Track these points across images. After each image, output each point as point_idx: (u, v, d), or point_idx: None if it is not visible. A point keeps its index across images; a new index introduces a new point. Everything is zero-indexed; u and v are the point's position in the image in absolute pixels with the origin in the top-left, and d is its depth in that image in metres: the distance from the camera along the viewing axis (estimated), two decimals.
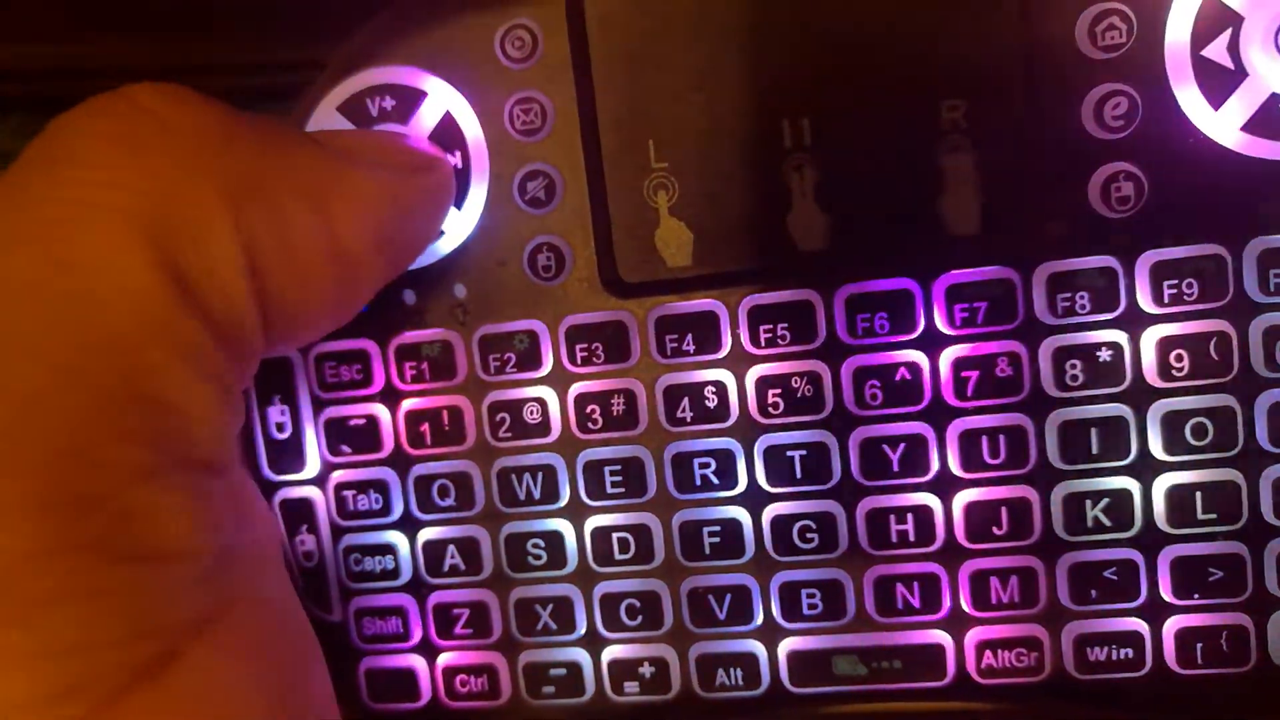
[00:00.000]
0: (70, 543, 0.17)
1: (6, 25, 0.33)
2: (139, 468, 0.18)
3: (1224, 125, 0.22)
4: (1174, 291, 0.22)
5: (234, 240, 0.19)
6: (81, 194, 0.18)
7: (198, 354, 0.19)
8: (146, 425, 0.18)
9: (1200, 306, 0.22)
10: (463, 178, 0.24)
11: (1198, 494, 0.23)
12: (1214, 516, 0.23)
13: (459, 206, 0.24)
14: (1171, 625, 0.23)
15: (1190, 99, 0.22)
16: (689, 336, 0.24)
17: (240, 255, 0.19)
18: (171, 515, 0.18)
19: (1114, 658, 0.24)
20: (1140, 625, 0.24)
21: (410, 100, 0.24)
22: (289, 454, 0.26)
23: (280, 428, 0.26)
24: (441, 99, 0.24)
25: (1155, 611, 0.24)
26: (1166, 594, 0.23)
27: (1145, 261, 0.22)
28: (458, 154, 0.24)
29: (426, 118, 0.24)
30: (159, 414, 0.18)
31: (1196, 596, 0.23)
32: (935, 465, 0.24)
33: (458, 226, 0.25)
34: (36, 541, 0.17)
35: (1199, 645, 0.23)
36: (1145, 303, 0.22)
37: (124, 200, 0.18)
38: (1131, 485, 0.23)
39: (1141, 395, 0.23)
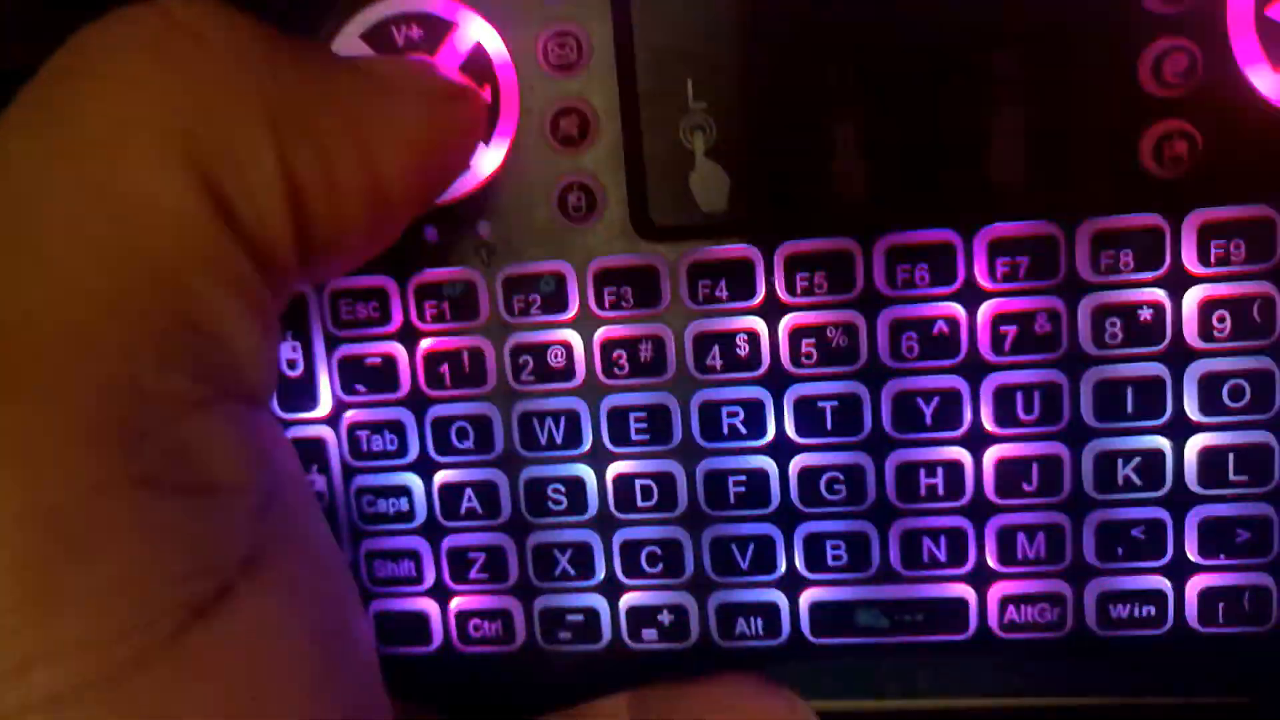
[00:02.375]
0: (124, 477, 0.16)
1: None
2: (189, 399, 0.17)
3: None
4: (1220, 252, 0.22)
5: (276, 164, 0.18)
6: (114, 111, 0.17)
7: (240, 282, 0.18)
8: (194, 355, 0.17)
9: (1246, 269, 0.22)
10: (492, 112, 0.23)
11: (1230, 455, 0.23)
12: (1245, 479, 0.23)
13: (486, 142, 0.24)
14: (1195, 584, 0.24)
15: (1251, 59, 0.21)
16: (722, 283, 0.24)
17: (281, 180, 0.18)
18: (223, 447, 0.18)
19: (1136, 615, 0.24)
20: (1164, 583, 0.24)
21: (439, 30, 0.23)
22: (300, 392, 0.26)
23: (292, 365, 0.25)
24: (471, 30, 0.23)
25: (1180, 570, 0.24)
26: (1192, 553, 0.23)
27: (1193, 221, 0.22)
28: (487, 87, 0.23)
29: (455, 49, 0.23)
30: (205, 343, 0.18)
31: (1222, 556, 0.23)
32: (968, 420, 0.23)
33: (484, 162, 0.24)
34: (89, 476, 0.16)
35: (1221, 604, 0.24)
36: (1190, 263, 0.22)
37: (161, 118, 0.17)
38: (1164, 445, 0.23)
39: (1180, 356, 0.23)
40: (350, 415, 0.26)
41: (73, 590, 0.16)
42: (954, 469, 0.24)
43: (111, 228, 0.17)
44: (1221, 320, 0.22)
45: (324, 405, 0.26)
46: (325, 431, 0.26)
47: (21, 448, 0.16)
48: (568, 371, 0.24)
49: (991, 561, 0.24)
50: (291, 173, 0.18)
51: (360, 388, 0.25)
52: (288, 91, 0.19)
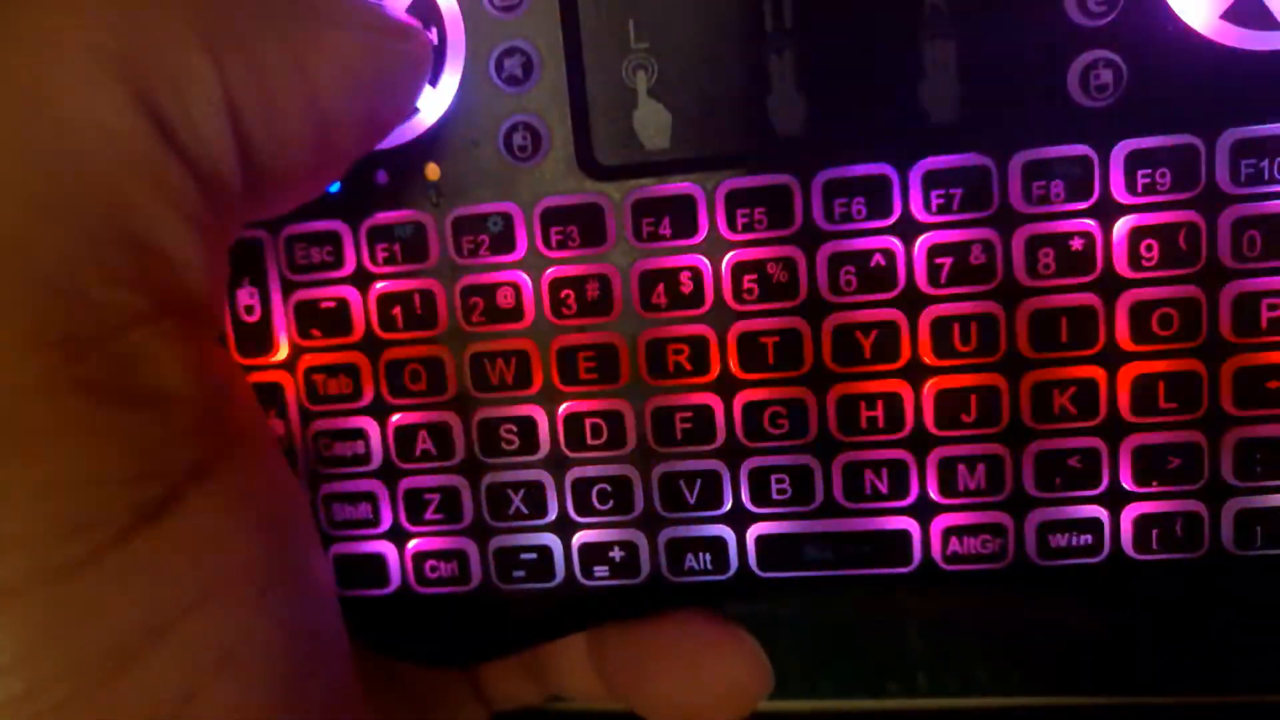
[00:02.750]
0: (67, 381, 0.17)
1: None
2: (131, 311, 0.18)
3: (1204, 13, 0.22)
4: (1147, 181, 0.23)
5: (214, 83, 0.18)
6: (47, 28, 0.17)
7: (181, 198, 0.18)
8: (136, 268, 0.18)
9: (1172, 197, 0.23)
10: (438, 54, 0.24)
11: (1160, 383, 0.23)
12: (1175, 406, 0.23)
13: (434, 84, 0.24)
14: (1129, 512, 0.24)
15: None
16: (666, 220, 0.24)
17: (220, 99, 0.18)
18: (168, 359, 0.18)
19: (1074, 544, 0.24)
20: (1101, 512, 0.24)
21: None
22: (258, 337, 0.26)
23: (249, 310, 0.26)
24: None
25: (1115, 499, 0.24)
26: (1126, 482, 0.24)
27: (1120, 151, 0.23)
28: (433, 29, 0.24)
29: None
30: (147, 257, 0.18)
31: (1155, 484, 0.24)
32: (907, 352, 0.24)
33: (432, 105, 0.24)
34: (32, 377, 0.16)
35: (1154, 531, 0.24)
36: (1118, 192, 0.23)
37: (96, 36, 0.17)
38: (1098, 374, 0.23)
39: (1111, 284, 0.23)
40: (307, 360, 0.26)
41: (17, 487, 0.16)
42: (893, 401, 0.24)
43: (45, 137, 0.17)
44: (1149, 249, 0.23)
45: (281, 350, 0.26)
46: (284, 376, 0.26)
47: None
48: (517, 311, 0.25)
49: (933, 493, 0.25)
50: (230, 92, 0.19)
51: (316, 332, 0.26)
52: (225, 11, 0.19)
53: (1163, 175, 0.22)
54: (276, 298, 0.26)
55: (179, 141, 0.18)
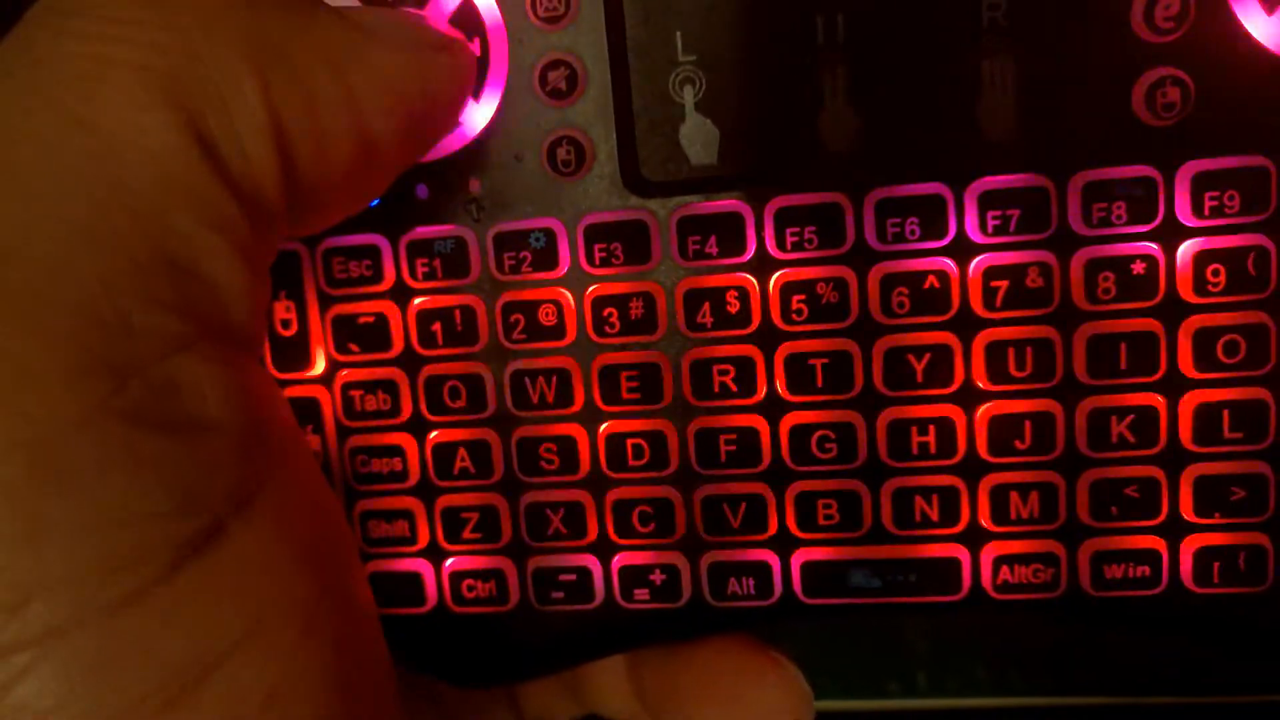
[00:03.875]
0: (109, 410, 0.16)
1: None
2: (174, 337, 0.17)
3: (1276, 30, 0.21)
4: (1214, 203, 0.22)
5: (260, 104, 0.18)
6: (98, 50, 0.17)
7: (225, 221, 0.18)
8: (178, 293, 0.17)
9: (1241, 220, 0.22)
10: (481, 67, 0.23)
11: (1225, 412, 0.22)
12: (1240, 435, 0.23)
13: (476, 98, 0.23)
14: (1190, 544, 0.23)
15: (1245, 2, 0.21)
16: (712, 238, 0.23)
17: (266, 121, 0.18)
18: (210, 386, 0.18)
19: (1130, 575, 0.24)
20: (1158, 543, 0.23)
21: None
22: (295, 352, 0.26)
23: (286, 324, 0.26)
24: None
25: (1174, 529, 0.23)
26: (1186, 512, 0.23)
27: (1186, 172, 0.22)
28: (476, 41, 0.23)
29: (445, 2, 0.23)
30: (190, 282, 0.18)
31: (1217, 515, 0.23)
32: (960, 376, 0.23)
33: (474, 118, 0.24)
34: (73, 409, 0.16)
35: (1216, 564, 0.23)
36: (1183, 214, 0.22)
37: (144, 57, 0.17)
38: (1159, 402, 0.23)
39: (1174, 310, 0.22)
40: (344, 375, 0.26)
41: (62, 523, 0.16)
42: (946, 426, 0.23)
43: (90, 161, 0.17)
44: (1216, 273, 0.22)
45: (318, 365, 0.26)
46: (320, 391, 0.26)
47: (3, 377, 0.16)
48: (559, 329, 0.24)
49: (984, 521, 0.24)
50: (276, 114, 0.18)
51: (354, 347, 0.25)
52: (271, 34, 0.19)
53: (1231, 197, 0.22)
54: (314, 311, 0.25)
55: (224, 164, 0.18)
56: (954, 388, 0.23)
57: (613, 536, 0.25)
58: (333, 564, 0.20)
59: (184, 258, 0.18)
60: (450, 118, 0.23)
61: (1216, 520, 0.23)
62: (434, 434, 0.25)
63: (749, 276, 0.23)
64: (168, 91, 0.17)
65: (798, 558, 0.25)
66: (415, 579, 0.26)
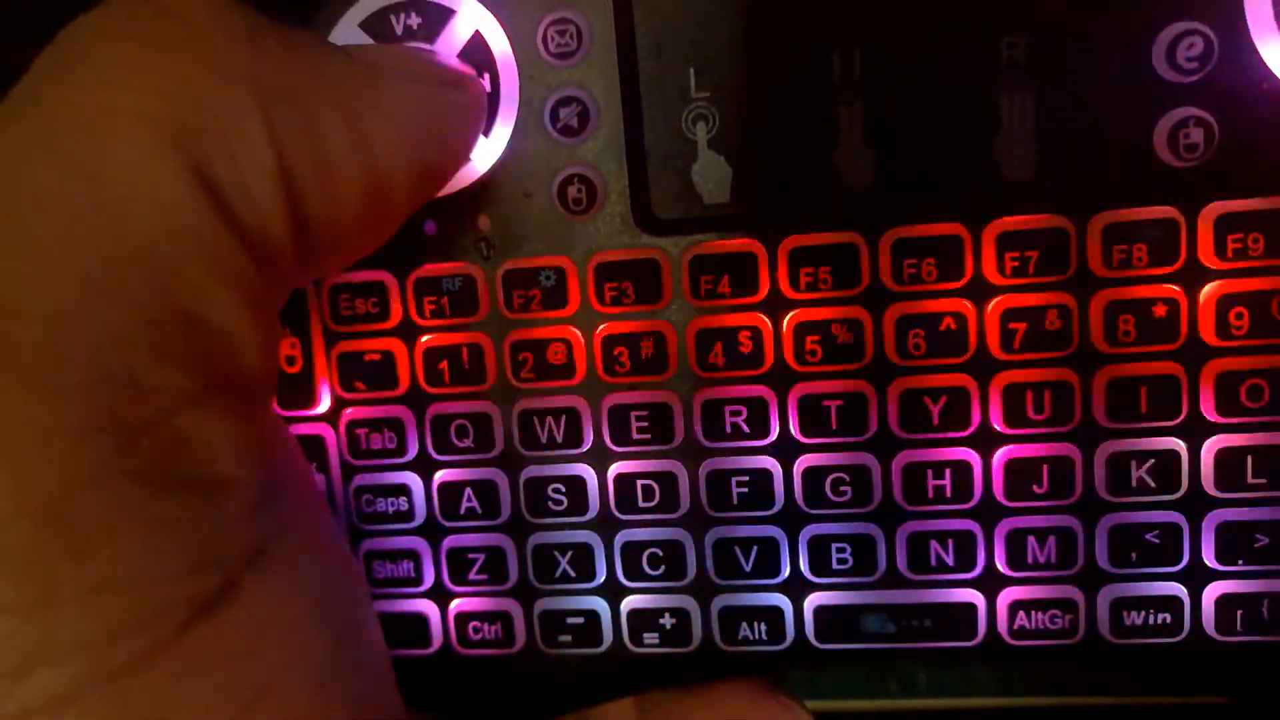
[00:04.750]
0: (119, 470, 0.16)
1: None
2: (185, 393, 0.17)
3: None
4: (1238, 246, 0.21)
5: (268, 150, 0.18)
6: (103, 98, 0.17)
7: (234, 271, 0.18)
8: (189, 348, 0.17)
9: (1265, 263, 0.21)
10: (491, 102, 0.23)
11: (1249, 457, 0.22)
12: (1264, 481, 0.22)
13: (486, 134, 0.23)
14: (1212, 591, 0.23)
15: (1269, 42, 0.21)
16: (725, 278, 0.23)
17: (275, 166, 0.18)
18: (222, 442, 0.17)
19: (1151, 622, 0.23)
20: (1180, 590, 0.23)
21: (438, 18, 0.23)
22: (299, 389, 0.25)
23: (291, 361, 0.25)
24: (471, 17, 0.23)
25: (1196, 576, 0.23)
26: (1209, 559, 0.23)
27: (1209, 213, 0.21)
28: (486, 76, 0.23)
29: (454, 37, 0.23)
30: (200, 336, 0.17)
31: (1240, 562, 0.23)
32: (977, 419, 0.23)
33: (484, 154, 0.23)
34: (82, 469, 0.16)
35: (1239, 612, 0.23)
36: (1206, 257, 0.22)
37: (149, 104, 0.17)
38: (1179, 446, 0.22)
39: (1196, 353, 0.22)
40: (349, 413, 0.25)
41: (71, 588, 0.16)
42: (962, 470, 0.23)
43: (97, 213, 0.16)
44: (1239, 317, 0.22)
45: (323, 403, 0.25)
46: (324, 429, 0.25)
47: (10, 437, 0.16)
48: (568, 368, 0.24)
49: (1001, 566, 0.23)
50: (285, 158, 0.18)
51: (360, 385, 0.25)
52: (278, 77, 0.18)
53: (1255, 240, 0.21)
54: (319, 348, 0.25)
55: (233, 211, 0.18)
56: (971, 431, 0.23)
57: (622, 579, 0.25)
58: (347, 613, 0.20)
59: (193, 310, 0.17)
60: (462, 155, 0.22)
61: (1240, 567, 0.23)
62: (440, 473, 0.25)
63: (762, 316, 0.23)
64: (173, 139, 0.17)
65: (810, 602, 0.24)
66: (420, 620, 0.26)
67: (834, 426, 0.23)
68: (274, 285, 0.19)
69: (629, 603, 0.25)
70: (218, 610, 0.17)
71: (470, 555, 0.25)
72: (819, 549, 0.24)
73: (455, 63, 0.22)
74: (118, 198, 0.16)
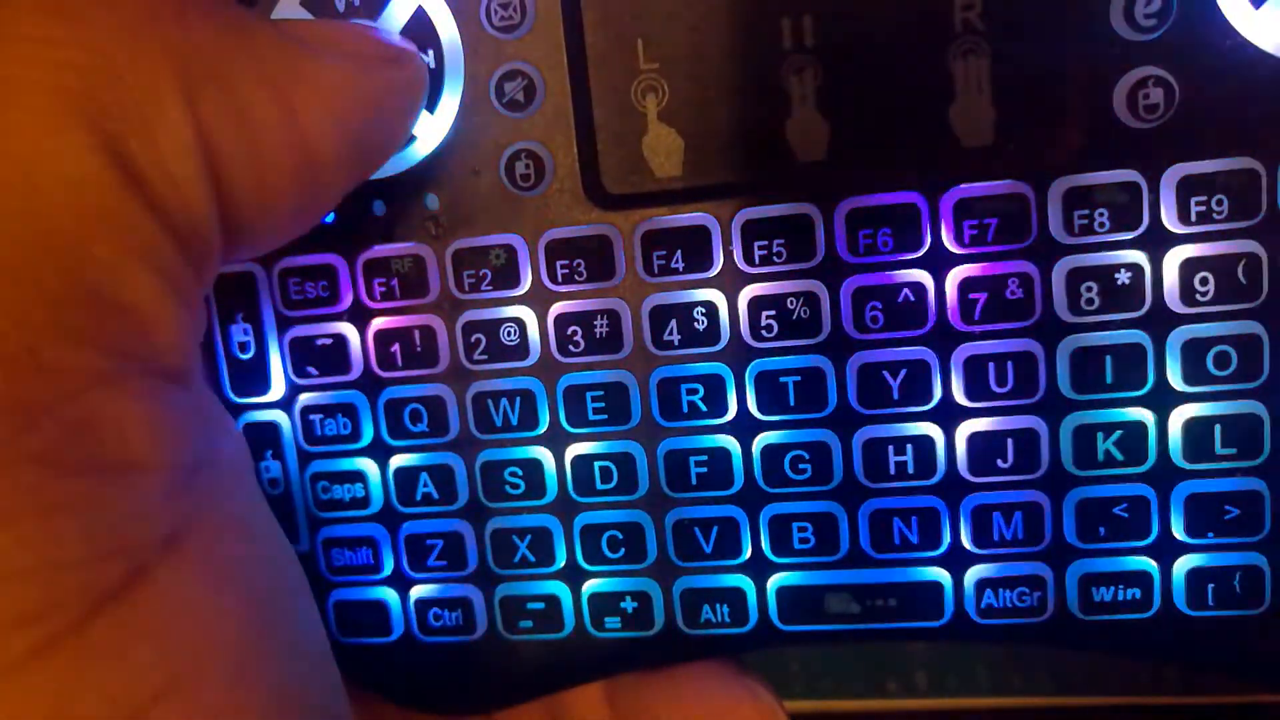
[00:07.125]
0: (18, 454, 0.15)
1: None
2: (93, 373, 0.16)
3: (1265, 27, 0.20)
4: (1202, 209, 0.21)
5: (187, 125, 0.17)
6: (6, 71, 0.16)
7: (150, 250, 0.17)
8: (98, 327, 0.16)
9: (1229, 225, 0.21)
10: (436, 79, 0.22)
11: (1217, 427, 0.21)
12: (1233, 451, 0.21)
13: (431, 110, 0.23)
14: (1182, 565, 0.22)
15: None
16: (678, 253, 0.22)
17: (195, 143, 0.17)
18: (132, 424, 0.17)
19: (1120, 598, 0.23)
20: (1150, 564, 0.22)
21: None
22: (253, 375, 0.25)
23: (243, 347, 0.25)
24: None
25: (1166, 550, 0.22)
26: (1179, 532, 0.22)
27: (1172, 175, 0.21)
28: (430, 53, 0.22)
29: (397, 13, 0.22)
30: (111, 315, 0.17)
31: (1210, 535, 0.22)
32: (938, 393, 0.22)
33: (430, 132, 0.23)
34: None
35: (1210, 586, 0.22)
36: (1170, 221, 0.21)
37: (58, 75, 0.16)
38: (1147, 417, 0.22)
39: (1161, 321, 0.21)
40: (304, 399, 0.25)
41: None
42: (924, 445, 0.22)
43: (1, 191, 0.16)
44: (1204, 282, 0.21)
45: (277, 389, 0.25)
46: (279, 416, 0.25)
47: None
48: (522, 349, 0.23)
49: (967, 543, 0.23)
50: (207, 134, 0.17)
51: (312, 370, 0.25)
52: (200, 48, 0.18)
53: (1219, 202, 0.21)
54: (271, 333, 0.25)
55: (148, 188, 0.17)
56: (932, 405, 0.22)
57: (582, 563, 0.24)
58: (275, 603, 0.19)
59: (104, 289, 0.17)
60: (399, 133, 0.22)
61: (1210, 540, 0.22)
62: (395, 458, 0.25)
63: (717, 292, 0.23)
64: (84, 113, 0.16)
65: (773, 582, 0.24)
66: (380, 608, 0.25)
67: (792, 403, 0.23)
68: (196, 264, 0.18)
69: (590, 586, 0.24)
70: (126, 597, 0.16)
71: (429, 541, 0.25)
72: (780, 529, 0.23)
73: (395, 39, 0.22)
74: (22, 173, 0.16)
